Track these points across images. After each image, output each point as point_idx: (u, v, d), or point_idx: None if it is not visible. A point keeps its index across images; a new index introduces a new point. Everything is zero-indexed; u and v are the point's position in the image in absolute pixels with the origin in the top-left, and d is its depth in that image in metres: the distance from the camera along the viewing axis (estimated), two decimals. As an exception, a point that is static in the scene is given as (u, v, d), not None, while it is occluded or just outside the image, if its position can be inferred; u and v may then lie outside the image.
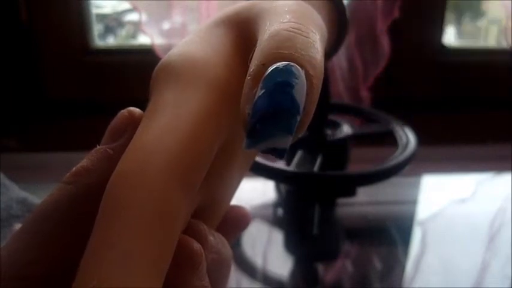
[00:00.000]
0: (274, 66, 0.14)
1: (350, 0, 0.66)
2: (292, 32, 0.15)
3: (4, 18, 0.63)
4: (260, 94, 0.14)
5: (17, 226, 0.33)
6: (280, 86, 0.14)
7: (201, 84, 0.16)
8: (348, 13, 0.30)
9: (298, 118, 0.14)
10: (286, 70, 0.14)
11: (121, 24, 0.72)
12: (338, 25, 0.30)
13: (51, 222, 0.16)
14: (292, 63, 0.14)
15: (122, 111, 0.18)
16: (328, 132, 0.49)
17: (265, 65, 0.14)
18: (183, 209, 0.14)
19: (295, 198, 0.50)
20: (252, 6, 0.19)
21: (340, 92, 0.65)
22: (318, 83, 0.15)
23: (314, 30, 0.16)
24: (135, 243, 0.13)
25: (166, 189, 0.14)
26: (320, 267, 0.49)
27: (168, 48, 0.62)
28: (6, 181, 0.36)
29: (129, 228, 0.13)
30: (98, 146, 0.17)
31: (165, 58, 0.18)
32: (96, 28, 0.67)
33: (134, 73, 0.66)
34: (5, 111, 0.65)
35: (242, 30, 0.18)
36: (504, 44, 0.71)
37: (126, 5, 0.68)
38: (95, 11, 0.67)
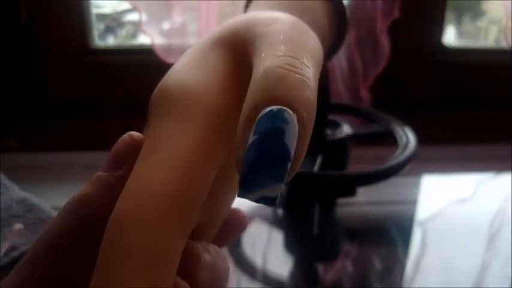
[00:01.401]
0: (267, 110, 0.14)
1: (350, 0, 0.66)
2: (286, 70, 0.15)
3: (4, 18, 0.63)
4: (252, 141, 0.14)
5: (17, 226, 0.33)
6: (272, 133, 0.14)
7: (198, 116, 0.16)
8: (347, 13, 0.30)
9: (289, 164, 0.14)
10: (278, 116, 0.14)
11: (121, 24, 0.72)
12: (338, 25, 0.30)
13: (53, 253, 0.16)
14: (284, 108, 0.14)
15: (124, 136, 0.18)
16: (328, 132, 0.49)
17: (258, 107, 0.14)
18: (179, 249, 0.15)
19: (295, 198, 0.50)
20: (248, 27, 0.19)
21: (340, 92, 0.65)
22: (310, 124, 0.15)
23: (308, 63, 0.16)
24: (133, 286, 0.14)
25: (162, 234, 0.14)
26: (320, 267, 0.49)
27: (168, 48, 0.62)
28: (6, 181, 0.36)
29: (128, 274, 0.14)
30: (99, 172, 0.18)
31: (163, 84, 0.18)
32: (96, 28, 0.67)
33: (134, 73, 0.66)
34: (5, 111, 0.65)
35: (238, 54, 0.18)
36: (504, 44, 0.71)
37: (126, 5, 0.68)
38: (95, 11, 0.67)
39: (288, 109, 0.14)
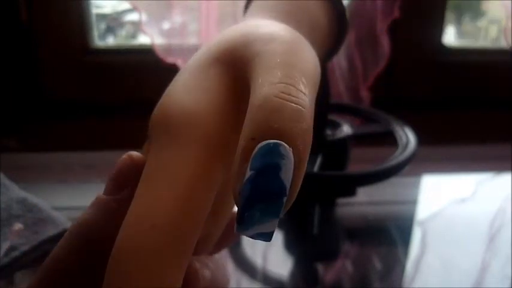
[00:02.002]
0: (263, 144, 0.14)
1: (350, 0, 0.66)
2: (282, 99, 0.15)
3: (4, 18, 0.63)
4: (248, 177, 0.14)
5: (17, 226, 0.33)
6: (267, 169, 0.14)
7: (198, 141, 0.17)
8: (347, 13, 0.30)
9: (285, 199, 0.15)
10: (274, 150, 0.14)
11: (121, 24, 0.72)
12: (338, 25, 0.30)
13: (59, 280, 0.17)
14: (280, 142, 0.14)
15: (124, 157, 0.18)
16: (328, 132, 0.49)
17: (254, 140, 0.15)
18: (181, 276, 0.15)
19: (295, 198, 0.50)
20: (246, 44, 0.19)
21: (340, 92, 0.65)
22: (306, 156, 0.15)
23: (305, 89, 0.16)
24: None
25: (164, 265, 0.15)
26: (320, 267, 0.49)
27: (168, 48, 0.62)
28: (6, 181, 0.36)
29: None
30: (100, 195, 0.18)
31: (162, 105, 0.18)
32: (96, 28, 0.67)
33: (134, 73, 0.66)
34: (4, 111, 0.65)
35: (236, 72, 0.18)
36: (504, 44, 0.71)
37: (126, 5, 0.68)
38: (95, 11, 0.67)
39: (284, 143, 0.14)
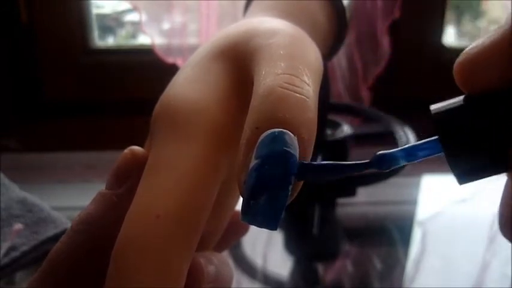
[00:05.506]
0: (268, 133, 0.14)
1: (350, 0, 0.66)
2: (286, 89, 0.15)
3: (4, 19, 0.63)
4: (253, 165, 0.14)
5: (17, 226, 0.33)
6: (273, 157, 0.14)
7: (199, 135, 0.17)
8: (347, 13, 0.30)
9: (291, 187, 0.14)
10: (279, 139, 0.14)
11: (121, 24, 0.72)
12: (337, 25, 0.30)
13: (61, 275, 0.17)
14: (285, 131, 0.14)
15: (125, 151, 0.18)
16: (328, 132, 0.49)
17: (259, 129, 0.15)
18: (186, 266, 0.15)
19: (295, 198, 0.50)
20: (248, 39, 0.19)
21: (340, 92, 0.65)
22: (311, 145, 0.15)
23: (308, 80, 0.16)
24: None
25: (169, 254, 0.15)
26: (320, 267, 0.49)
27: (168, 48, 0.62)
28: (6, 181, 0.36)
29: None
30: (102, 190, 0.18)
31: (164, 99, 0.18)
32: (96, 28, 0.67)
33: (134, 73, 0.66)
34: (5, 111, 0.65)
35: (239, 67, 0.18)
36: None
37: (126, 5, 0.68)
38: (95, 11, 0.67)
39: (289, 132, 0.14)
